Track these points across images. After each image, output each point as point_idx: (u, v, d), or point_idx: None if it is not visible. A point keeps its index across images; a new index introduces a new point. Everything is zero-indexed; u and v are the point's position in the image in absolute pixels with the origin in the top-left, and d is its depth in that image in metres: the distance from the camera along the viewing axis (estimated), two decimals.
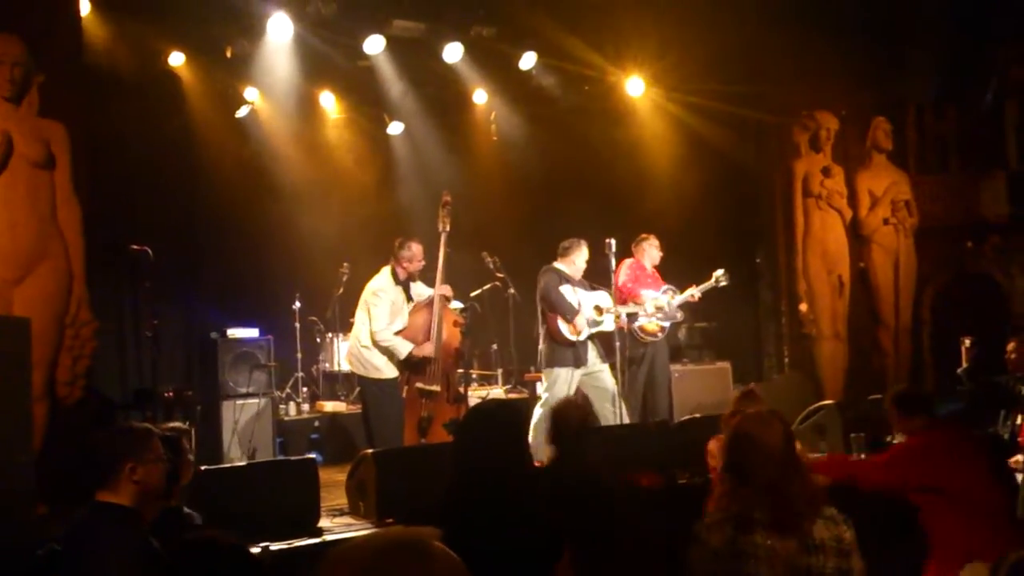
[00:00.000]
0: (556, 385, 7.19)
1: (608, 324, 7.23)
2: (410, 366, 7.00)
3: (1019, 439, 6.14)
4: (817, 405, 7.48)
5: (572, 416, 4.16)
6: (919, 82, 10.76)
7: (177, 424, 4.74)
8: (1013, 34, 10.53)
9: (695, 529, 2.90)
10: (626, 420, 7.12)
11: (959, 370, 7.46)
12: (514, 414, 3.27)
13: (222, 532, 2.24)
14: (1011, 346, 7.00)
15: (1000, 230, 10.68)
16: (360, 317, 7.04)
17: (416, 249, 7.05)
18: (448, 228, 7.10)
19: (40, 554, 4.43)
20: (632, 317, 7.61)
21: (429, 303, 7.09)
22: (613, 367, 7.25)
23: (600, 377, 7.24)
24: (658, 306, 7.73)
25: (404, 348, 6.91)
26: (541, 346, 7.33)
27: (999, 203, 10.68)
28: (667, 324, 7.81)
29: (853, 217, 10.67)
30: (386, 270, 7.06)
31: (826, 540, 2.78)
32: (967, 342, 7.48)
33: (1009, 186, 10.69)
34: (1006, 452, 6.20)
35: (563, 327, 7.22)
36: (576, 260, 7.37)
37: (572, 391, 7.22)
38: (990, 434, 6.46)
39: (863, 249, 10.74)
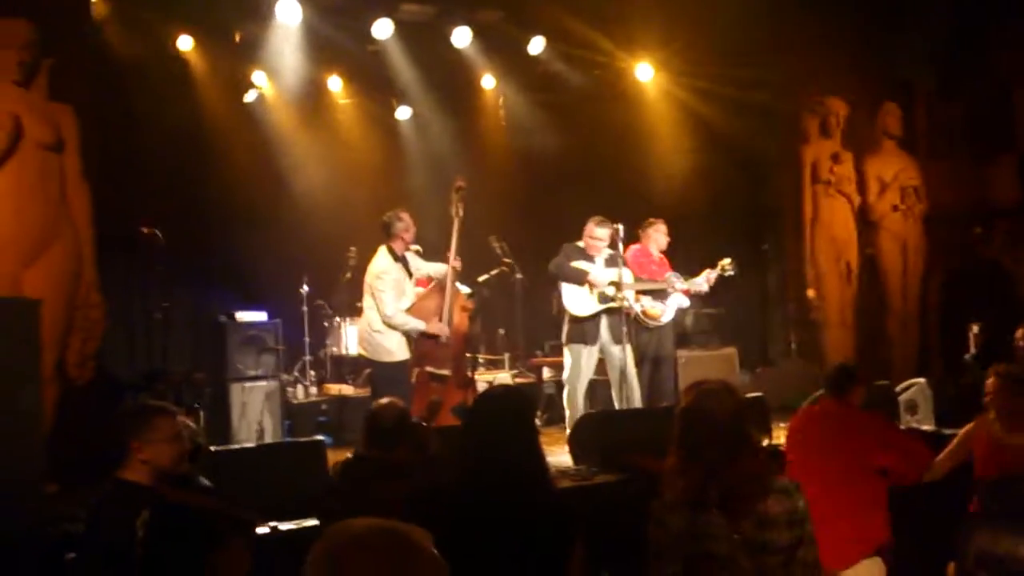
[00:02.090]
0: (571, 363, 7.29)
1: (620, 302, 7.21)
2: (421, 350, 7.01)
3: None
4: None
5: (386, 417, 4.13)
6: (928, 67, 10.71)
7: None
8: (1021, 16, 10.47)
9: (653, 509, 2.87)
10: (636, 404, 7.15)
11: (967, 356, 7.45)
12: (523, 399, 3.26)
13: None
14: (1020, 332, 6.99)
15: (1009, 216, 10.64)
16: (368, 302, 7.04)
17: (407, 218, 7.02)
18: (461, 214, 7.09)
19: (52, 532, 4.50)
20: (649, 293, 7.58)
21: (440, 288, 7.09)
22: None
23: (611, 358, 7.27)
24: (677, 287, 7.70)
25: (418, 326, 6.93)
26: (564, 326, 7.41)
27: (1008, 188, 10.63)
28: (671, 309, 7.78)
29: (862, 203, 10.64)
30: (382, 250, 7.04)
31: (779, 514, 2.79)
32: (975, 328, 7.47)
33: (1018, 171, 10.64)
34: None
35: (569, 302, 7.26)
36: (588, 236, 7.37)
37: (588, 370, 7.26)
38: None
39: (871, 235, 10.72)
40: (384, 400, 4.40)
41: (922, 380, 7.29)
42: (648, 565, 2.89)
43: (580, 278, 7.25)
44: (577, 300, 7.29)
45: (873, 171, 10.68)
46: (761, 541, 2.77)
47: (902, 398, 6.66)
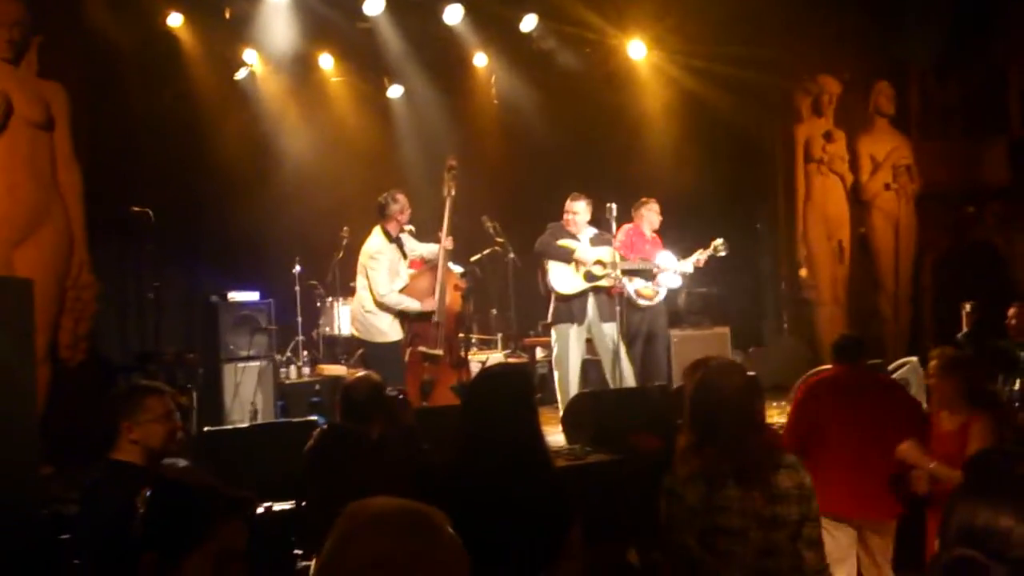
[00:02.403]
0: (558, 342, 7.30)
1: (608, 281, 7.22)
2: (414, 330, 7.01)
3: None
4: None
5: (359, 389, 4.17)
6: (922, 46, 10.69)
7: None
8: None
9: (668, 484, 2.92)
10: (630, 383, 7.16)
11: (959, 335, 7.49)
12: (523, 378, 3.27)
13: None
14: (1012, 311, 7.04)
15: (1001, 196, 10.67)
16: (361, 282, 7.03)
17: (403, 199, 7.02)
18: (453, 193, 7.07)
19: (46, 514, 4.50)
20: (638, 274, 7.59)
21: (432, 268, 7.08)
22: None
23: (601, 336, 7.28)
24: (668, 266, 7.71)
25: (413, 305, 6.93)
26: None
27: (1001, 169, 10.65)
28: (664, 289, 7.79)
29: (854, 182, 10.66)
30: (377, 231, 7.03)
31: (789, 489, 2.86)
32: (967, 307, 7.51)
33: (1011, 152, 10.66)
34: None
35: (555, 280, 7.27)
36: (565, 212, 7.38)
37: (577, 349, 7.27)
38: None
39: (864, 214, 10.74)
40: (359, 373, 4.43)
41: (914, 359, 7.34)
42: (660, 538, 2.93)
43: (566, 256, 7.26)
44: (563, 278, 7.29)
45: (866, 150, 10.70)
46: (771, 515, 2.83)
47: (895, 376, 6.70)
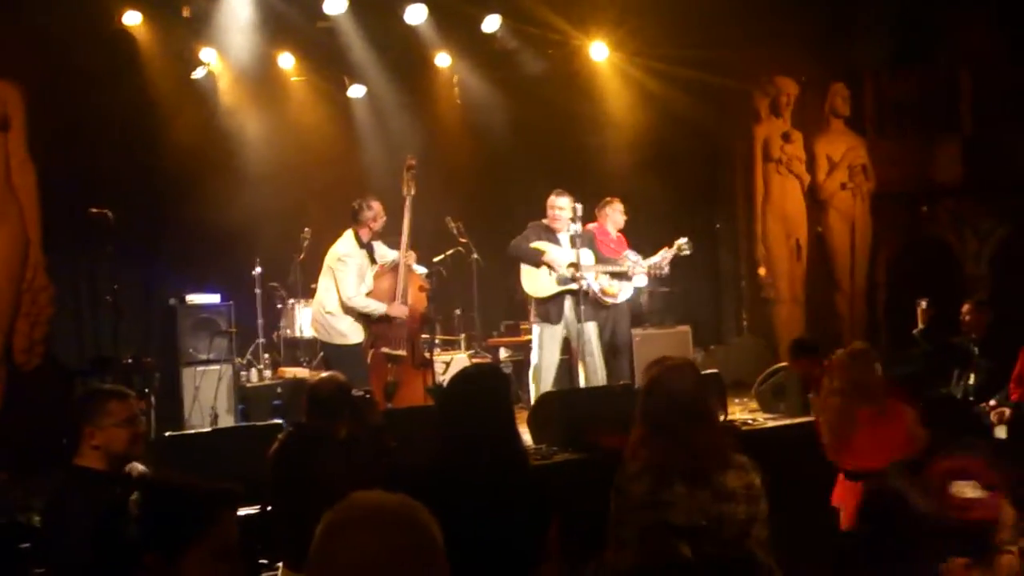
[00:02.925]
0: (535, 341, 7.32)
1: (584, 283, 7.21)
2: (375, 331, 6.99)
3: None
4: (776, 366, 7.64)
5: (324, 389, 4.22)
6: (874, 47, 10.87)
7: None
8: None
9: (617, 480, 2.95)
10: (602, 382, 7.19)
11: (915, 331, 7.61)
12: (500, 378, 3.27)
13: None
14: (966, 308, 7.17)
15: (954, 195, 10.87)
16: (324, 283, 6.98)
17: (377, 207, 7.01)
18: (413, 192, 7.06)
19: (2, 522, 4.41)
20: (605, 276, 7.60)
21: (393, 268, 7.05)
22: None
23: (576, 336, 7.27)
24: (635, 263, 7.73)
25: (379, 308, 6.90)
26: None
27: (953, 167, 10.85)
28: (630, 288, 7.82)
29: (811, 182, 10.81)
30: (348, 234, 7.00)
31: (737, 488, 2.87)
32: (923, 304, 7.63)
33: (963, 151, 10.86)
34: (960, 410, 6.39)
35: (528, 283, 7.29)
36: (549, 208, 7.36)
37: (553, 349, 7.26)
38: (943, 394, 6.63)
39: (821, 213, 10.90)
40: (324, 374, 4.43)
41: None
42: (609, 534, 2.95)
43: (536, 259, 7.26)
44: (535, 281, 7.30)
45: (822, 150, 10.86)
46: (718, 513, 2.83)
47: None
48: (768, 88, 10.63)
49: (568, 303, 7.27)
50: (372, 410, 4.34)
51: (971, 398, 6.80)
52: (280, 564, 3.38)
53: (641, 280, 7.87)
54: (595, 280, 7.46)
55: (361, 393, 4.52)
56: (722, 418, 6.22)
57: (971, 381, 6.91)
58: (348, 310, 6.90)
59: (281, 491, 4.03)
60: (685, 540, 2.78)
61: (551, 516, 2.98)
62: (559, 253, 7.30)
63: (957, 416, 6.49)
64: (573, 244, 7.31)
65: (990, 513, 1.63)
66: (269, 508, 4.41)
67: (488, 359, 9.17)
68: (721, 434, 3.09)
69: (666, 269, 7.76)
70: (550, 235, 7.39)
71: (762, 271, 10.62)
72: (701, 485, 2.85)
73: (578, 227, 7.35)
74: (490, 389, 3.10)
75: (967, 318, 7.12)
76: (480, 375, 3.32)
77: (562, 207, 7.32)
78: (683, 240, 7.78)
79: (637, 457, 2.96)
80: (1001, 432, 6.35)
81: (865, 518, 1.89)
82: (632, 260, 7.73)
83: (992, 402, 6.49)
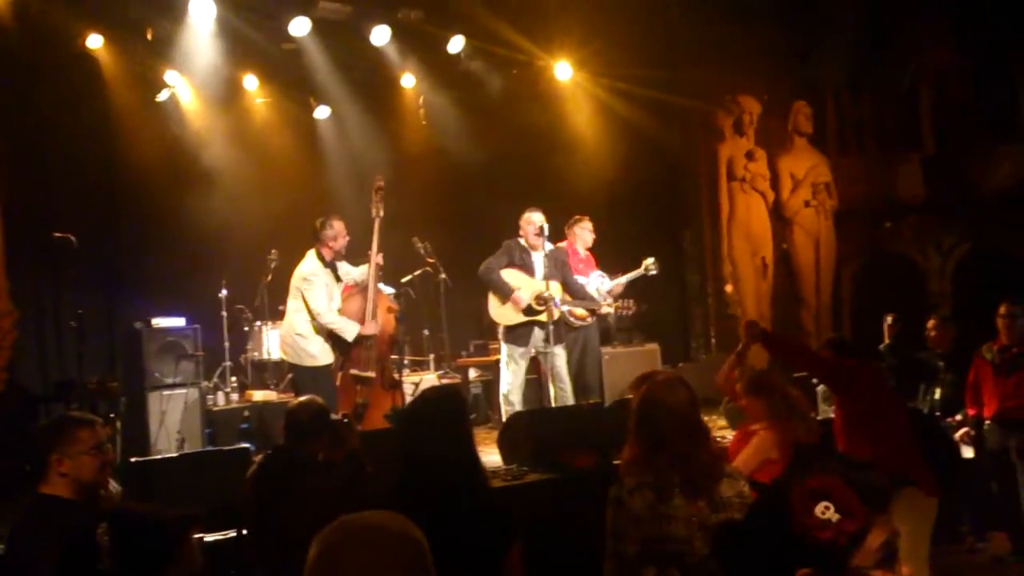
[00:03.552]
0: (504, 361, 7.27)
1: (546, 316, 7.15)
2: (344, 352, 6.94)
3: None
4: None
5: (303, 413, 4.25)
6: (837, 66, 11.04)
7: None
8: (928, 17, 10.86)
9: (614, 493, 2.98)
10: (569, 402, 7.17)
11: (881, 347, 7.69)
12: (457, 399, 3.26)
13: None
14: (931, 324, 7.26)
15: (916, 211, 11.04)
16: (293, 305, 6.92)
17: (339, 226, 6.96)
18: (382, 214, 7.04)
19: None
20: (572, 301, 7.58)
21: (363, 289, 7.02)
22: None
23: (545, 358, 7.23)
24: (602, 291, 7.73)
25: (351, 327, 6.84)
26: None
27: (915, 185, 11.03)
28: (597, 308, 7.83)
29: (775, 200, 10.93)
30: (311, 253, 6.96)
31: (731, 497, 2.92)
32: (889, 319, 7.72)
33: (924, 168, 11.05)
34: (927, 424, 6.46)
35: (495, 311, 7.25)
36: (524, 224, 7.32)
37: (519, 369, 7.23)
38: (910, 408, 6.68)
39: (785, 231, 11.02)
40: (303, 397, 4.43)
41: None
42: (605, 547, 2.96)
43: (505, 294, 7.17)
44: (502, 310, 7.25)
45: (786, 168, 10.99)
46: (715, 523, 2.86)
47: (819, 388, 6.86)
48: (731, 107, 10.76)
49: (536, 328, 7.22)
50: (351, 434, 4.33)
51: (937, 412, 6.87)
52: None
53: (609, 307, 7.82)
54: (562, 304, 7.36)
55: (339, 417, 4.52)
56: None
57: (936, 396, 6.99)
58: (319, 330, 6.84)
59: (260, 513, 3.99)
60: (684, 550, 2.84)
61: (512, 537, 2.97)
62: (526, 291, 7.21)
63: (925, 430, 6.56)
64: (545, 264, 7.25)
65: (841, 536, 1.68)
66: (244, 532, 4.38)
67: (458, 379, 9.14)
68: (715, 446, 3.14)
69: (623, 285, 7.77)
70: (525, 255, 7.32)
71: (729, 288, 10.71)
72: (698, 496, 2.90)
73: (550, 245, 7.34)
74: (448, 411, 3.10)
75: (932, 333, 7.20)
76: (438, 398, 3.32)
77: (535, 221, 7.26)
78: (650, 260, 7.82)
79: (636, 473, 2.98)
80: (968, 452, 6.43)
81: (752, 512, 1.98)
82: (601, 291, 7.70)
83: (958, 417, 6.56)
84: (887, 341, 7.65)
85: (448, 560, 2.79)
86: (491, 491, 3.21)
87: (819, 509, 1.73)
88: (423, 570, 1.62)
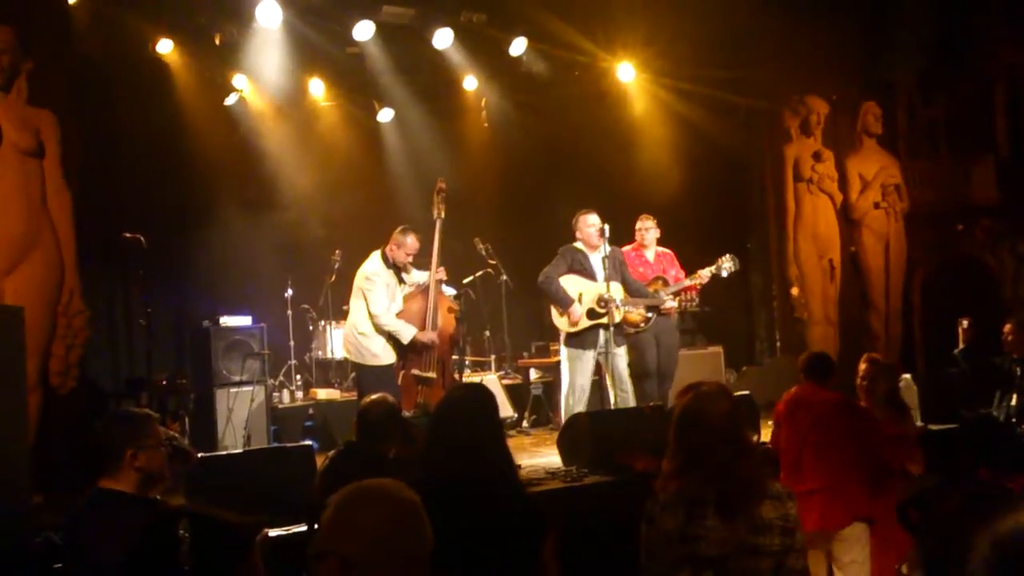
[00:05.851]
0: (565, 363, 7.17)
1: (615, 317, 7.03)
2: (406, 353, 6.97)
3: None
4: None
5: (374, 411, 4.28)
6: (908, 66, 10.80)
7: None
8: (1001, 16, 10.57)
9: (648, 508, 2.85)
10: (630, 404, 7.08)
11: (955, 351, 7.48)
12: (485, 394, 3.28)
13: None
14: (1008, 328, 7.03)
15: (989, 213, 10.74)
16: (356, 304, 6.98)
17: (412, 242, 6.92)
18: (443, 215, 7.04)
19: (38, 542, 4.43)
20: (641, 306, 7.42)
21: (424, 290, 7.04)
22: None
23: (611, 360, 7.11)
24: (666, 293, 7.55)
25: (408, 331, 6.85)
26: None
27: (989, 187, 10.74)
28: (651, 314, 7.60)
29: (844, 201, 10.72)
30: (376, 254, 7.00)
31: (773, 519, 2.78)
32: (964, 323, 7.49)
33: (998, 170, 10.75)
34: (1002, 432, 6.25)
35: (557, 319, 7.16)
36: (582, 228, 7.19)
37: (585, 372, 7.15)
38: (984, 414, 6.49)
39: (854, 233, 10.80)
40: (375, 395, 4.46)
41: (907, 376, 7.32)
42: (640, 564, 2.89)
43: (564, 306, 7.08)
44: (563, 320, 7.15)
45: (855, 169, 10.77)
46: (753, 544, 2.75)
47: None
48: (798, 108, 10.57)
49: (599, 331, 7.09)
50: (421, 433, 4.36)
51: (1013, 419, 6.66)
52: None
53: (672, 304, 7.62)
54: (617, 311, 7.18)
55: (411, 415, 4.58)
56: (755, 440, 6.14)
57: (1013, 402, 6.78)
58: (380, 331, 6.88)
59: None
60: (715, 570, 2.74)
61: (544, 531, 2.95)
62: (588, 295, 7.08)
63: (999, 437, 6.36)
64: (605, 266, 7.14)
65: None
66: (316, 526, 4.42)
67: (519, 380, 9.13)
68: (757, 463, 3.00)
69: (704, 279, 7.55)
70: (583, 258, 7.21)
71: (795, 291, 10.51)
72: (735, 516, 2.76)
73: (609, 247, 7.19)
74: (473, 402, 3.15)
75: (1009, 338, 6.97)
76: (464, 391, 3.42)
77: (593, 223, 7.15)
78: (727, 257, 7.58)
79: (669, 488, 2.89)
80: None
81: None
82: (668, 290, 7.51)
83: None
84: (962, 345, 7.44)
85: (477, 547, 2.80)
86: (518, 485, 3.23)
87: None
88: (418, 524, 1.99)
